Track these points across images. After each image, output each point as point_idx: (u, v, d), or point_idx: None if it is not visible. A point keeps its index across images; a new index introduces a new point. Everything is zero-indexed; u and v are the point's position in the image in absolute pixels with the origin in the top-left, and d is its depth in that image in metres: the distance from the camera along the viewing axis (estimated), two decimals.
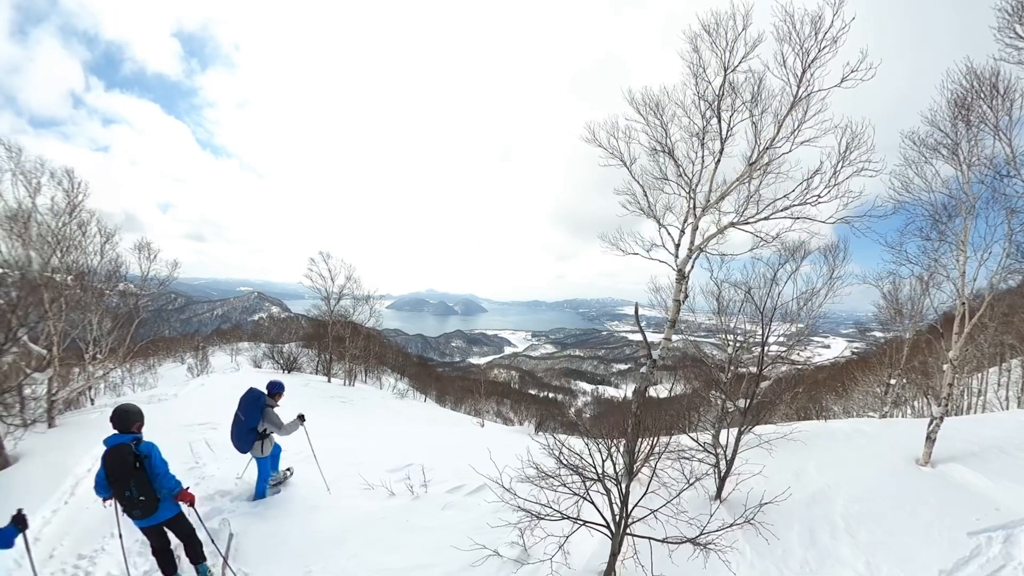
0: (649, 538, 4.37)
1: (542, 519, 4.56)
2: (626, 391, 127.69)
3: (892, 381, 15.76)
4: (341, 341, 24.41)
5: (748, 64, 6.55)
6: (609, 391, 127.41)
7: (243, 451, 5.71)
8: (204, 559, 4.18)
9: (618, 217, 8.61)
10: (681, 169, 7.79)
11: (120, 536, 4.17)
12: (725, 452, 6.25)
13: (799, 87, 6.35)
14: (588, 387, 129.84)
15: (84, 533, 4.94)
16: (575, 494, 4.67)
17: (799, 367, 12.86)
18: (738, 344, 13.00)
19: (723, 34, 6.62)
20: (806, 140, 6.61)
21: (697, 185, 7.76)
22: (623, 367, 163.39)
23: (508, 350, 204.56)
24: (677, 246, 8.16)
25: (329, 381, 22.75)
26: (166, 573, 4.08)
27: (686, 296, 8.52)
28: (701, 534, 4.24)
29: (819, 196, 6.75)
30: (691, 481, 5.13)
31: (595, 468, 4.61)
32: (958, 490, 5.82)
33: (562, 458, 4.95)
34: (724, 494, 6.16)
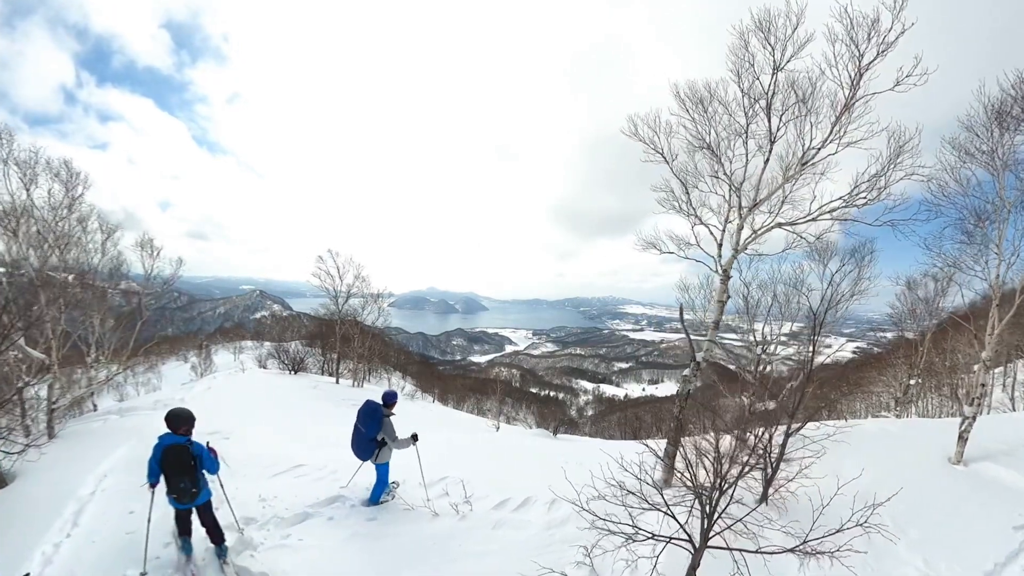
0: (740, 550, 3.94)
1: (632, 540, 4.12)
2: (628, 390, 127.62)
3: (912, 381, 15.55)
4: (348, 341, 23.74)
5: (795, 63, 6.49)
6: (610, 390, 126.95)
7: (363, 459, 5.86)
8: (224, 540, 4.60)
9: (654, 215, 8.62)
10: (725, 167, 7.56)
11: (149, 521, 4.46)
12: (769, 453, 5.98)
13: (854, 88, 6.18)
14: (589, 386, 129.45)
15: (92, 573, 4.23)
16: (656, 509, 4.27)
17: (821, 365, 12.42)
18: (765, 344, 12.45)
19: (775, 31, 6.42)
20: (853, 142, 6.48)
21: (742, 183, 7.53)
22: (624, 365, 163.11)
23: (509, 348, 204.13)
24: (719, 245, 7.93)
25: (337, 382, 22.09)
26: (182, 534, 4.61)
27: (728, 296, 8.28)
28: (805, 541, 3.73)
29: (866, 198, 6.67)
30: (772, 488, 4.67)
31: (689, 480, 4.32)
32: (995, 487, 6.00)
33: (645, 477, 4.42)
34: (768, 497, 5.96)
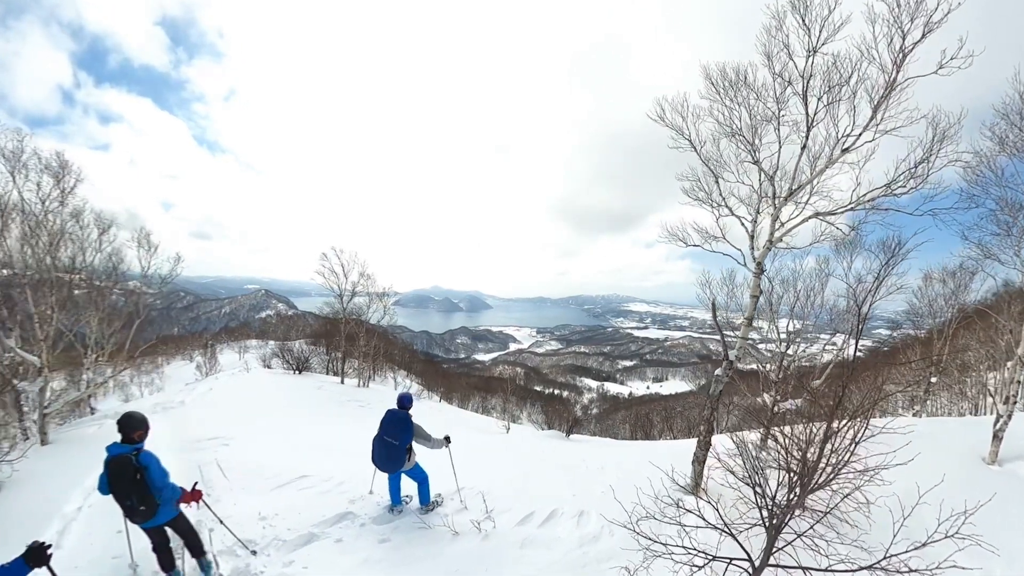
0: (809, 568, 3.39)
1: (694, 567, 3.60)
2: (632, 388, 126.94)
3: (933, 379, 15.20)
4: (353, 340, 23.25)
5: (831, 46, 6.13)
6: (615, 388, 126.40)
7: (392, 471, 5.38)
8: (204, 552, 4.23)
9: (680, 205, 7.95)
10: (757, 155, 7.15)
11: (127, 533, 4.18)
12: (805, 455, 5.29)
13: (896, 71, 5.74)
14: (594, 384, 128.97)
15: None
16: (714, 527, 3.78)
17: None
18: (791, 341, 11.85)
19: (812, 10, 6.04)
20: (894, 128, 6.05)
21: (775, 172, 7.10)
22: (629, 363, 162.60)
23: (513, 347, 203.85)
24: (752, 236, 7.47)
25: (342, 382, 21.59)
26: (165, 569, 4.09)
27: (761, 291, 7.82)
28: (887, 557, 3.16)
29: (906, 187, 6.25)
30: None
31: (760, 491, 3.84)
32: None
33: (704, 496, 3.85)
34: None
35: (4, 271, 8.08)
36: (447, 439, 5.72)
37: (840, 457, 4.12)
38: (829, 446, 4.25)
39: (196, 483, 4.25)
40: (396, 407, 5.37)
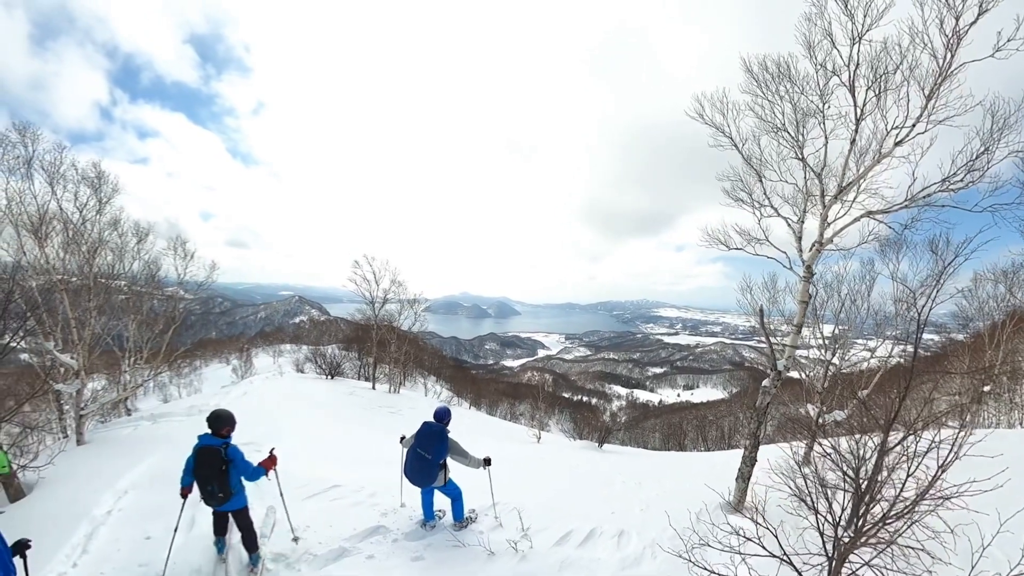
0: None
1: None
2: (662, 396, 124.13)
3: (986, 388, 14.19)
4: (384, 345, 23.39)
5: (877, 32, 5.74)
6: (644, 395, 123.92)
7: (424, 486, 5.15)
8: (257, 549, 4.43)
9: (721, 206, 7.57)
10: (802, 152, 6.76)
11: (176, 530, 4.40)
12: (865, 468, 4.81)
13: (949, 56, 5.34)
14: (623, 391, 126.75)
15: None
16: (772, 555, 3.42)
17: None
18: (834, 349, 11.10)
19: None
20: (947, 118, 5.62)
21: (822, 169, 6.68)
22: (658, 370, 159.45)
23: (541, 353, 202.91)
24: (799, 238, 7.03)
25: (374, 388, 21.68)
26: (217, 533, 4.53)
27: (811, 297, 7.41)
28: None
29: (963, 181, 5.75)
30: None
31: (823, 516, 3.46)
32: None
33: (763, 523, 3.50)
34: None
35: (42, 278, 8.29)
36: (487, 461, 5.35)
37: (918, 481, 3.66)
38: (905, 468, 3.79)
39: (272, 449, 4.70)
40: (433, 420, 5.13)
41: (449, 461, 5.12)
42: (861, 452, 4.84)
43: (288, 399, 14.66)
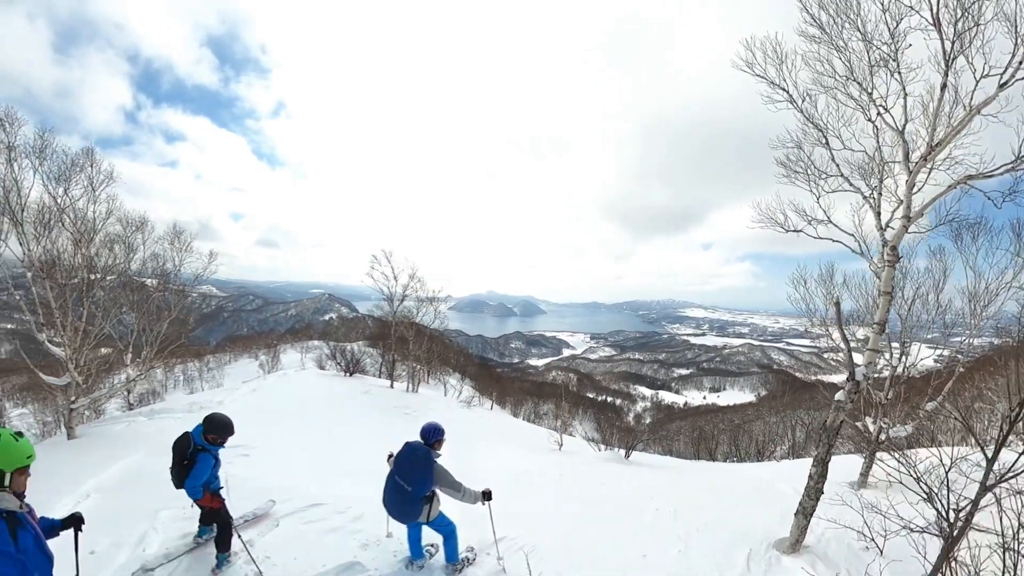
0: None
1: None
2: (688, 398, 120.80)
3: None
4: (404, 342, 22.83)
5: None
6: (669, 396, 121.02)
7: (409, 522, 4.20)
8: (228, 550, 4.22)
9: (774, 179, 6.29)
10: (879, 106, 5.30)
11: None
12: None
13: None
14: (648, 392, 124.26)
15: None
16: None
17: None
18: (902, 353, 9.68)
19: None
20: None
21: (904, 126, 5.24)
22: (684, 372, 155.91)
23: (566, 352, 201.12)
24: (878, 214, 5.67)
25: (392, 386, 21.08)
26: (202, 522, 4.51)
27: (893, 287, 5.96)
28: None
29: None
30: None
31: None
32: None
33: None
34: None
35: (29, 272, 7.81)
36: (486, 495, 4.24)
37: None
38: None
39: (220, 489, 4.32)
40: (418, 439, 4.14)
41: (439, 491, 4.13)
42: (948, 476, 3.69)
43: (296, 399, 14.08)
